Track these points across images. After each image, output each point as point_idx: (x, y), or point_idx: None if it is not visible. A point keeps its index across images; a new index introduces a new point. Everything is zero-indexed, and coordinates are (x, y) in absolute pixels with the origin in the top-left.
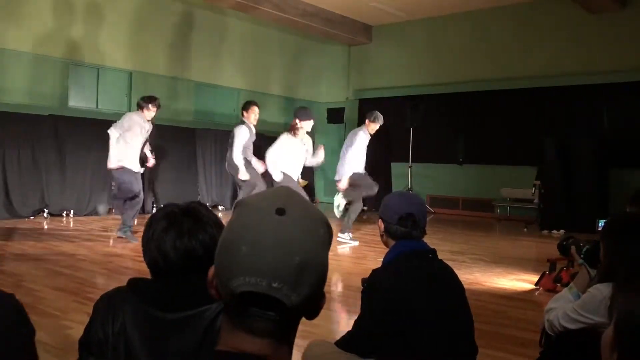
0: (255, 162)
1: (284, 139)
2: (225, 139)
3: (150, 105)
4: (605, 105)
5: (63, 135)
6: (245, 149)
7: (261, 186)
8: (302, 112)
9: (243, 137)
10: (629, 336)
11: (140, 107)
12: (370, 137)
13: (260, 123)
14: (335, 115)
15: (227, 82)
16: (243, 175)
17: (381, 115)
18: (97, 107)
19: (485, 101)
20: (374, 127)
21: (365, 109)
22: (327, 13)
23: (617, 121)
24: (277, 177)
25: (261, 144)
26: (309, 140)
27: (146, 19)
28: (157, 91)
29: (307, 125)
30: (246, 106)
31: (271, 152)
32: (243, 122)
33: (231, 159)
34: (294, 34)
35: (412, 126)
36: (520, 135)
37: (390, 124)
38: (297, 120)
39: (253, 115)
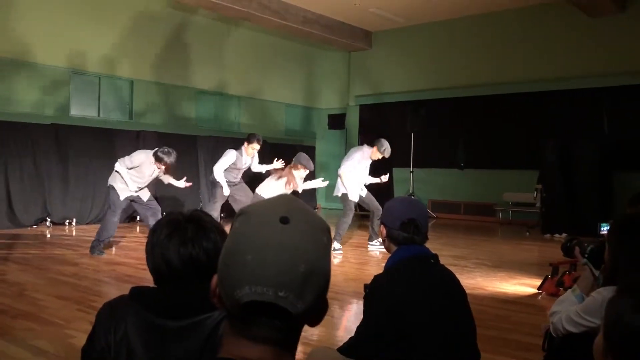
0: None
1: (270, 184)
2: (227, 146)
3: (166, 159)
4: (606, 108)
5: (65, 143)
6: (231, 170)
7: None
8: (307, 161)
9: (228, 159)
10: (619, 340)
11: (157, 159)
12: (371, 161)
13: (261, 129)
14: (336, 121)
15: (229, 90)
16: (225, 191)
17: (389, 148)
18: (98, 115)
19: (485, 105)
20: (378, 156)
21: (366, 115)
22: (327, 20)
23: (618, 124)
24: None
25: (264, 151)
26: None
27: (148, 28)
28: (159, 99)
29: (304, 172)
30: (250, 138)
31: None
32: (238, 149)
33: (213, 174)
34: (294, 41)
35: (413, 131)
36: (521, 139)
37: (391, 129)
38: (299, 166)
39: (251, 149)
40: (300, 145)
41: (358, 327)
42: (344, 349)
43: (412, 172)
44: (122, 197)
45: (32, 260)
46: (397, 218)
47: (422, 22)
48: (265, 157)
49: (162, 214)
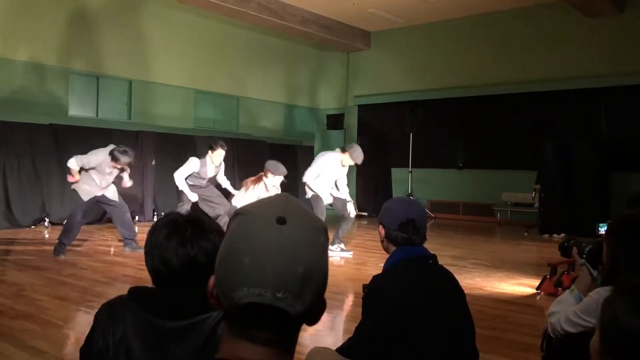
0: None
1: (246, 191)
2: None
3: (122, 159)
4: (604, 108)
5: (63, 144)
6: (195, 178)
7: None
8: (274, 167)
9: (190, 167)
10: (615, 341)
11: (113, 159)
12: (343, 168)
13: (260, 130)
14: (334, 122)
15: (227, 90)
16: (192, 197)
17: (362, 154)
18: (97, 115)
19: (484, 106)
20: (349, 161)
21: (364, 115)
22: (325, 20)
23: (616, 124)
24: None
25: (263, 152)
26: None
27: (145, 27)
28: (156, 99)
29: (277, 179)
30: (213, 146)
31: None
32: (202, 156)
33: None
34: (293, 41)
35: (412, 131)
36: (520, 139)
37: (389, 129)
38: (269, 174)
39: (217, 155)
40: (299, 145)
41: (357, 328)
42: (343, 350)
43: (411, 172)
44: (85, 199)
45: (31, 261)
46: (396, 218)
47: (421, 23)
48: (264, 157)
49: (129, 213)
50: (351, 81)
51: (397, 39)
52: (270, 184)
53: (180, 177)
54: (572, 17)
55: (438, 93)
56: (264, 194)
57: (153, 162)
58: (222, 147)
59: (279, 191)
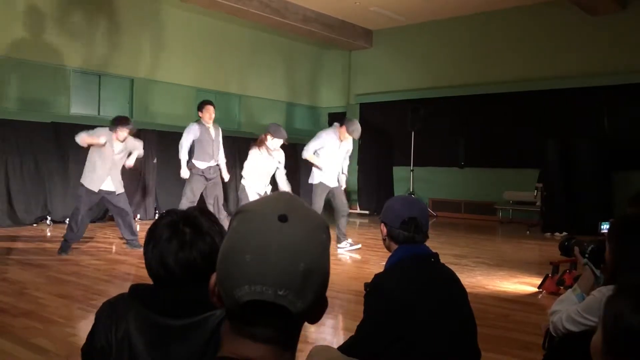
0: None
1: (252, 153)
2: (226, 144)
3: (119, 128)
4: (606, 106)
5: (65, 142)
6: (202, 148)
7: (190, 192)
8: (275, 129)
9: (190, 133)
10: (619, 340)
11: (111, 129)
12: (341, 143)
13: (262, 128)
14: (336, 120)
15: (229, 88)
16: (183, 172)
17: (359, 130)
18: (98, 114)
19: (486, 104)
20: (346, 136)
21: (366, 113)
22: (327, 18)
23: (618, 123)
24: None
25: None
26: (280, 154)
27: (147, 26)
28: (158, 97)
29: (276, 142)
30: (200, 106)
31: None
32: (196, 120)
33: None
34: (294, 40)
35: (413, 130)
36: (522, 138)
37: (391, 127)
38: (269, 136)
39: (207, 115)
40: (301, 144)
41: (358, 326)
42: (345, 348)
43: (413, 170)
44: (94, 189)
45: (33, 259)
46: (398, 217)
47: (423, 21)
48: None
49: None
50: (353, 79)
51: (399, 38)
52: (271, 147)
53: (182, 150)
54: (574, 14)
55: (440, 91)
56: (268, 160)
57: (155, 161)
58: (209, 103)
59: (281, 155)
